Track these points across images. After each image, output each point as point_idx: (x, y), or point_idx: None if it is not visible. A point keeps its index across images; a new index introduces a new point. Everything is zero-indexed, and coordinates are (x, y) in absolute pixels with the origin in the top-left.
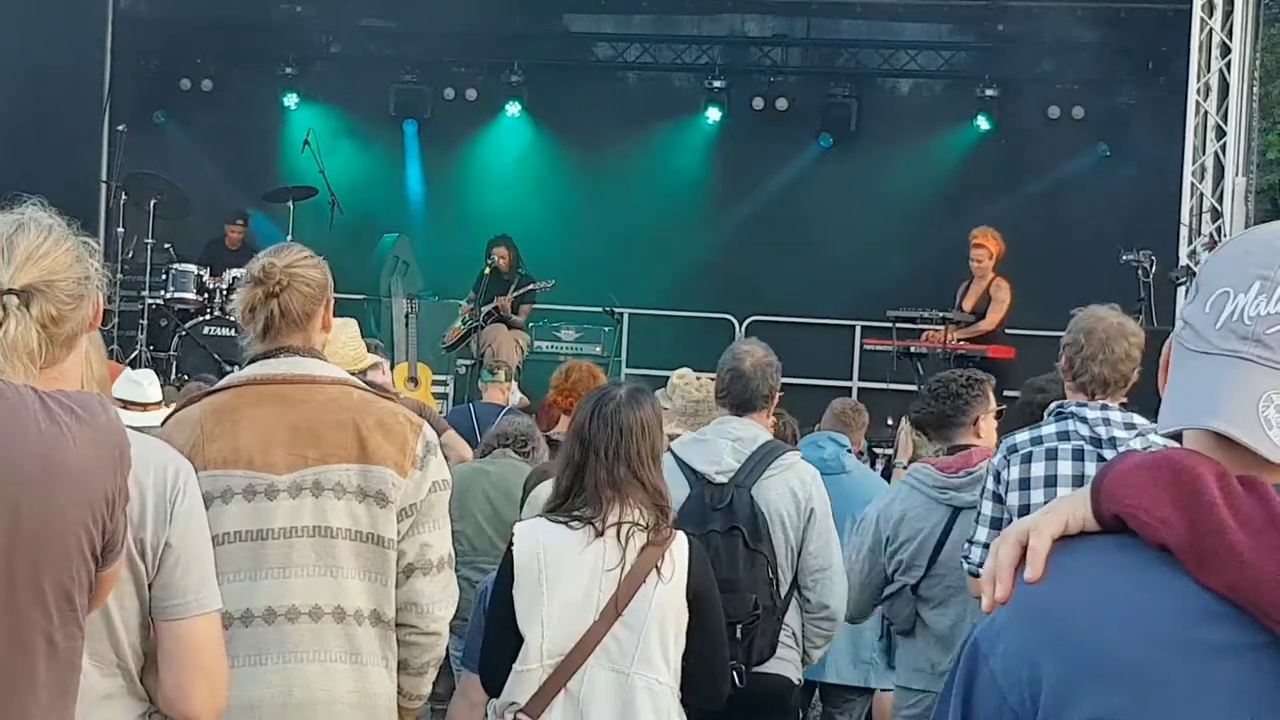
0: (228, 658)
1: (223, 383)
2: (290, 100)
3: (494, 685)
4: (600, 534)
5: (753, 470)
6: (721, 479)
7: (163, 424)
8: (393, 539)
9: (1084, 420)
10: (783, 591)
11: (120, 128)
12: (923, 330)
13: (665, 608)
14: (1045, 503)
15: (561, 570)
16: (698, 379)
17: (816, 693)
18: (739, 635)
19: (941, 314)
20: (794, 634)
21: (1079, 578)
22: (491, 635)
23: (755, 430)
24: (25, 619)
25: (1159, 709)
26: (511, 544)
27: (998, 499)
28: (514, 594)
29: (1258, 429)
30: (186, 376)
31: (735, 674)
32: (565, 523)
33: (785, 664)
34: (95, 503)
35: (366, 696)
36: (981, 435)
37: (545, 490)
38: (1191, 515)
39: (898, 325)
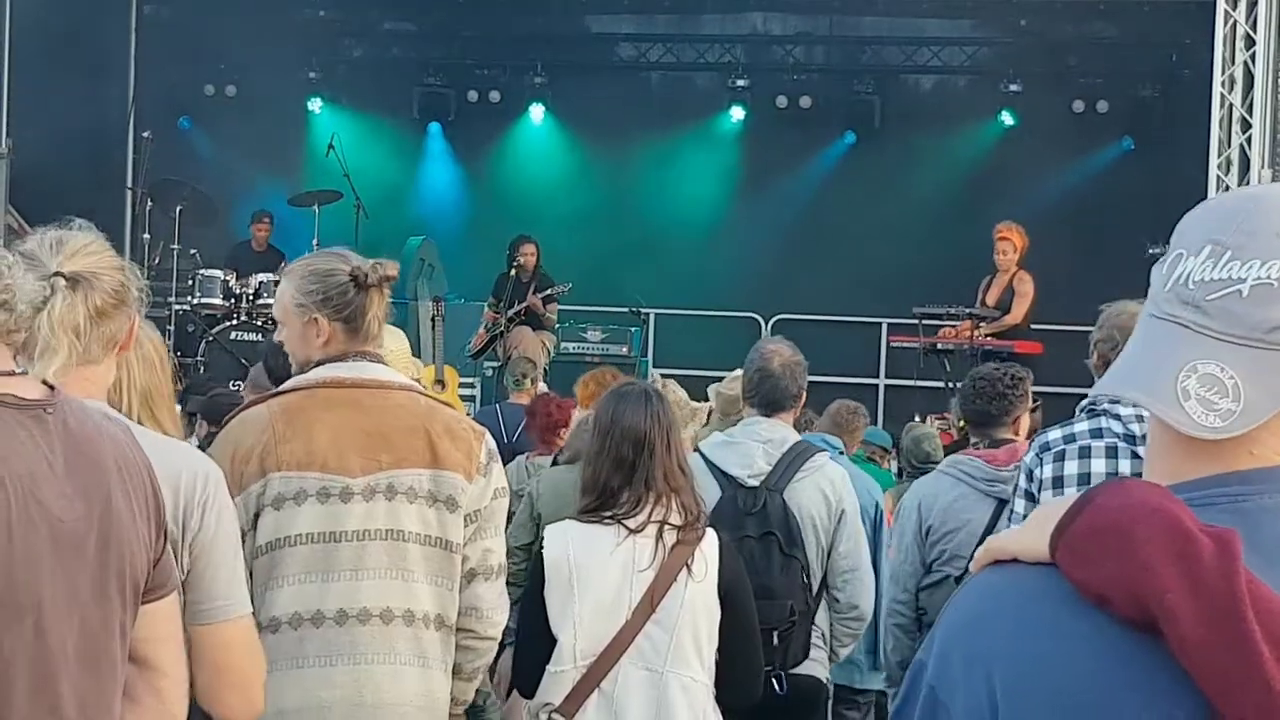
0: (299, 658)
1: (290, 384)
2: (314, 104)
3: (528, 687)
4: (632, 533)
5: (784, 473)
6: (753, 482)
7: (224, 423)
8: (459, 544)
9: (1117, 417)
10: (814, 593)
11: (146, 134)
12: (947, 326)
13: (697, 606)
14: None
15: (592, 571)
16: None
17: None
18: (775, 641)
19: (968, 310)
20: (823, 634)
21: (1038, 621)
22: (524, 637)
23: (784, 431)
24: (114, 606)
25: None
26: (542, 546)
27: (1030, 498)
28: (546, 596)
29: (1172, 400)
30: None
31: (775, 681)
32: (596, 523)
33: (815, 664)
34: (150, 502)
35: (431, 700)
36: (1020, 432)
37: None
38: (1138, 596)
39: (924, 322)
